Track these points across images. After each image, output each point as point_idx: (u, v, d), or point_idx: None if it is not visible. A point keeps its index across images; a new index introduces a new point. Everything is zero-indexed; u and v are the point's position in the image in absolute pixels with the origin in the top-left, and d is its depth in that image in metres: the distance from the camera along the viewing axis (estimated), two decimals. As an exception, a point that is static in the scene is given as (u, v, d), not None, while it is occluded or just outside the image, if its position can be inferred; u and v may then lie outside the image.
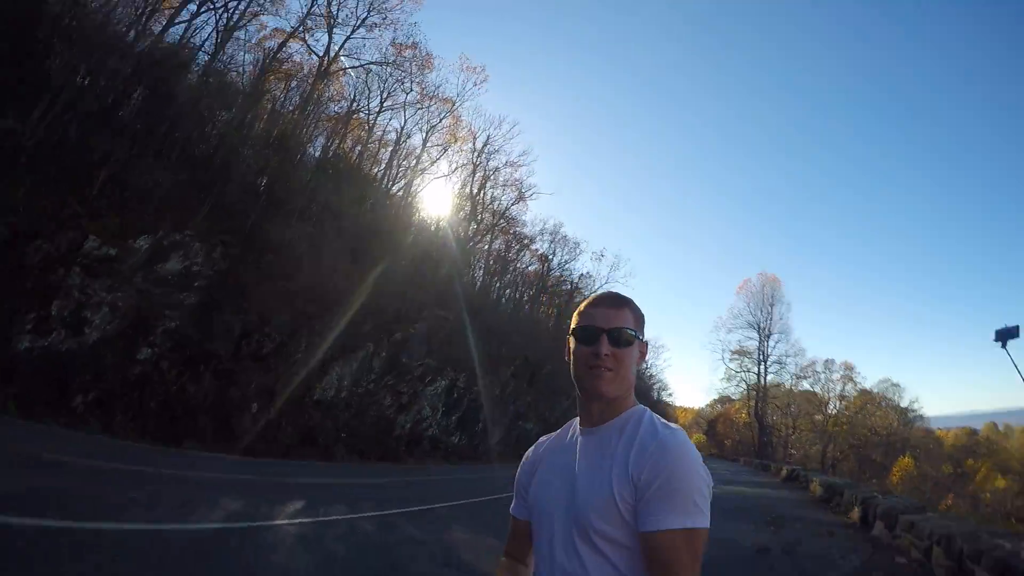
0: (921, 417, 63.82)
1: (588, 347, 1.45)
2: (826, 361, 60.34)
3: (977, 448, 65.55)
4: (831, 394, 59.65)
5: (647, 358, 1.57)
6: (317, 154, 27.97)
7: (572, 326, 1.52)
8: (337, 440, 19.24)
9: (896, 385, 61.76)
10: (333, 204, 23.15)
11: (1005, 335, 5.64)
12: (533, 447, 1.69)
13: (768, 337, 57.70)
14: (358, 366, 21.31)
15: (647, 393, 73.74)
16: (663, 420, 1.45)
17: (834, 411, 58.56)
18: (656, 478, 1.30)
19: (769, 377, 57.58)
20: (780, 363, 57.61)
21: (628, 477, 1.33)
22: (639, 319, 1.52)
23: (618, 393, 1.46)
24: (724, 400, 66.86)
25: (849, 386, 60.02)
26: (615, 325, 1.46)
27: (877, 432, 57.32)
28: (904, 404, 61.23)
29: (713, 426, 69.07)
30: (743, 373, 59.22)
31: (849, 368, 60.46)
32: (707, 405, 75.10)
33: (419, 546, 7.48)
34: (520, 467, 1.68)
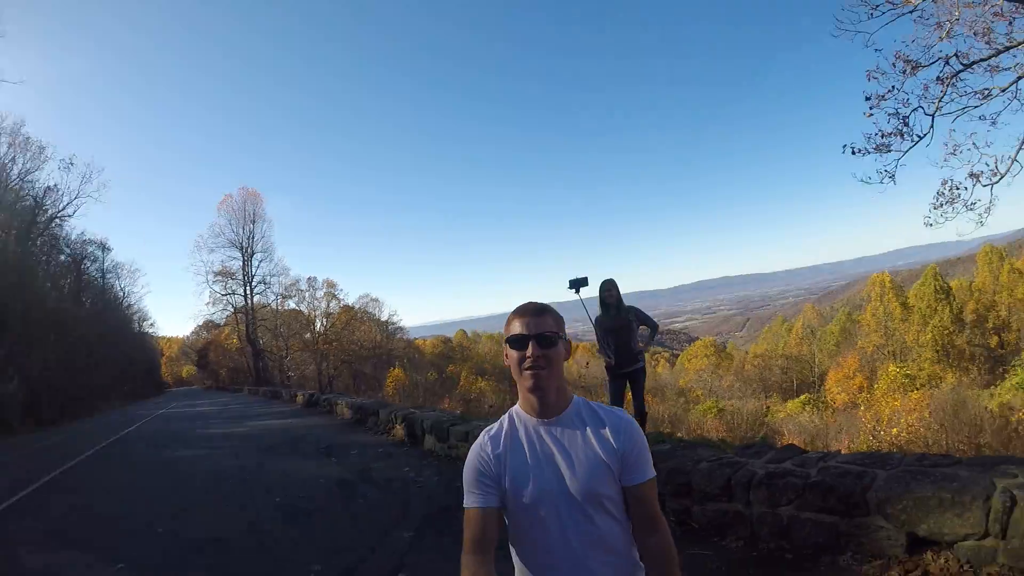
0: (401, 329, 72.03)
1: (520, 351, 1.75)
2: (309, 279, 61.61)
3: (453, 354, 77.31)
4: (317, 311, 61.61)
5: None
6: None
7: (505, 336, 1.82)
8: None
9: (376, 300, 67.83)
10: None
11: (577, 284, 6.61)
12: (489, 441, 1.83)
13: (251, 256, 55.57)
14: None
15: (127, 325, 64.55)
16: (601, 403, 1.88)
17: (322, 328, 60.62)
18: (634, 446, 1.75)
19: (256, 298, 56.45)
20: (265, 283, 56.49)
21: (614, 450, 1.73)
22: (559, 321, 1.82)
23: (556, 385, 1.77)
24: (211, 326, 63.69)
25: (333, 303, 62.69)
26: (540, 331, 1.75)
27: (364, 346, 62.25)
28: (384, 317, 67.97)
29: (204, 355, 65.55)
30: (229, 296, 56.34)
31: (332, 285, 62.96)
32: (192, 333, 71.33)
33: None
34: (479, 460, 1.81)
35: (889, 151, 11.04)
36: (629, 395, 6.80)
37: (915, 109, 10.76)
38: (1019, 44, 9.84)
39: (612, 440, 1.74)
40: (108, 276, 61.19)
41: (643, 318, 6.57)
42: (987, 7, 9.94)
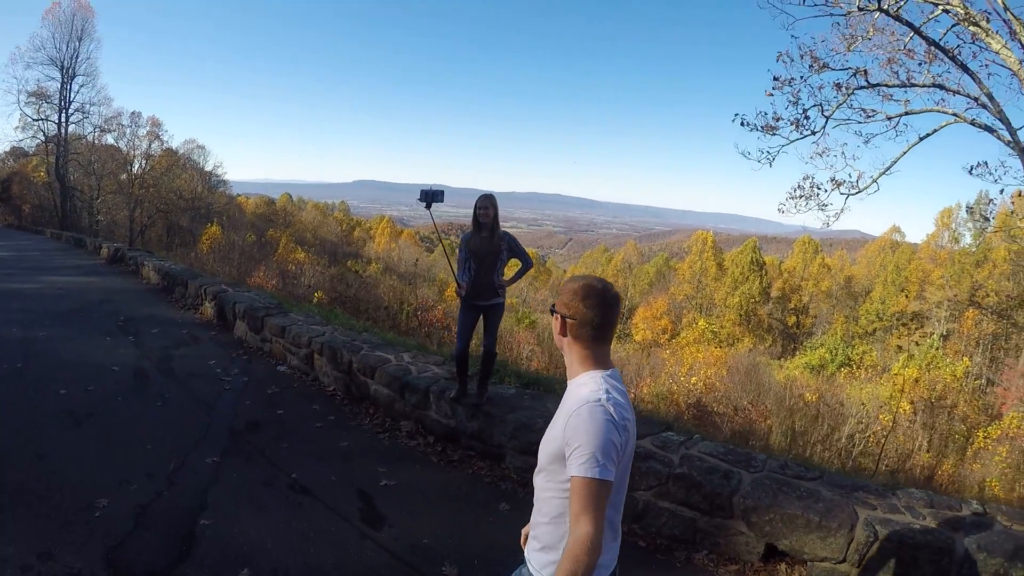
0: (224, 182, 65.92)
1: None
2: (133, 114, 53.93)
3: (276, 217, 72.82)
4: (137, 151, 54.38)
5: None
6: None
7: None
8: None
9: (202, 147, 61.88)
10: None
11: (429, 197, 5.72)
12: None
13: (72, 79, 48.08)
14: None
15: None
16: (592, 390, 1.82)
17: (140, 171, 53.94)
18: (568, 441, 1.76)
19: (71, 127, 48.21)
20: (83, 112, 48.33)
21: (562, 435, 1.80)
22: (562, 300, 1.92)
23: (568, 358, 1.95)
24: (19, 154, 55.28)
25: (156, 144, 55.73)
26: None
27: (183, 196, 56.84)
28: (209, 168, 62.33)
29: (7, 188, 56.44)
30: (42, 121, 48.59)
31: (156, 124, 55.72)
32: (-4, 160, 61.86)
33: None
34: None
35: (775, 134, 11.10)
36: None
37: (815, 106, 10.89)
38: (917, 85, 10.28)
39: (562, 427, 1.80)
40: None
41: (517, 251, 5.81)
42: (896, 39, 10.29)
